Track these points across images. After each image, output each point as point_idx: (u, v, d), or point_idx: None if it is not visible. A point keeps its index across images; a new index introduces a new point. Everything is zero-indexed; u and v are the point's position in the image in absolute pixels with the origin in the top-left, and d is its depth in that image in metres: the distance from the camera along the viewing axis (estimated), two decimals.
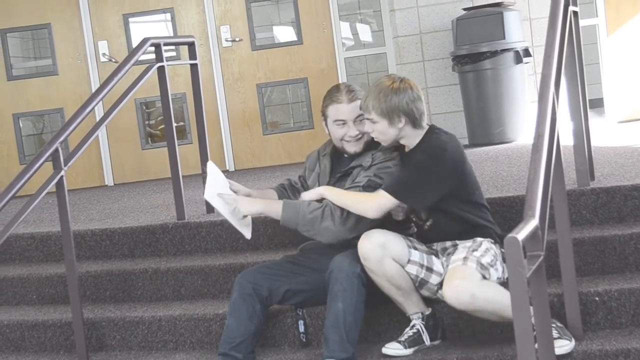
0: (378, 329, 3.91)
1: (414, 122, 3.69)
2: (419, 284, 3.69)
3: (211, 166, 3.88)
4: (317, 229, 3.71)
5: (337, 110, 3.87)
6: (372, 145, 3.89)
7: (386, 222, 3.74)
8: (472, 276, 3.48)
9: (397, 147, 3.83)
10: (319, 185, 3.93)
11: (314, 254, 3.94)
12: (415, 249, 3.69)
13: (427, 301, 3.76)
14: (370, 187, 3.73)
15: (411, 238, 3.76)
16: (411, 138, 3.74)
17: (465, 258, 3.55)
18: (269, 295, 3.85)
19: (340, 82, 7.50)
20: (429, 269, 3.68)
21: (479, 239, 3.66)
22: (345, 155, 3.95)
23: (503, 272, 3.65)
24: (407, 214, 3.84)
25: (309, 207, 3.72)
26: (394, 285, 3.67)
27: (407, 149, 3.78)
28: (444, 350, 3.69)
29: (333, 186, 3.87)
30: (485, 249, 3.62)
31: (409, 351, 3.69)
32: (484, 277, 3.51)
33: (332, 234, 3.72)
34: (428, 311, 3.73)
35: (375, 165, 3.82)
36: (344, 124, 3.87)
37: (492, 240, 3.69)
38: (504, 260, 3.67)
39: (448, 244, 3.74)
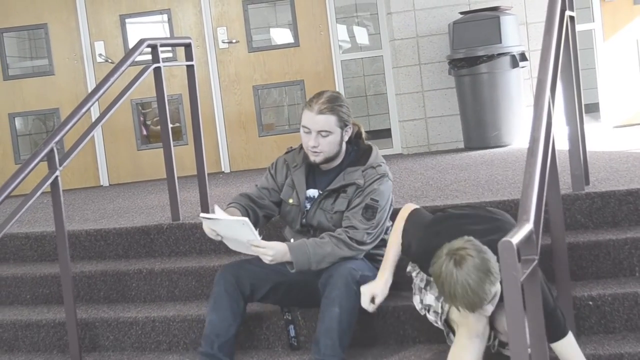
0: (372, 333, 3.90)
1: None
2: None
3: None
4: (333, 257, 3.68)
5: (305, 116, 3.82)
6: (354, 160, 3.85)
7: None
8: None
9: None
10: (297, 198, 3.85)
11: None
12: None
13: None
14: (369, 209, 3.71)
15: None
16: None
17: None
18: (251, 292, 3.79)
19: (336, 84, 7.53)
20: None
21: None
22: (323, 169, 3.88)
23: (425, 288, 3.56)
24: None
25: (316, 245, 3.67)
26: None
27: None
28: (437, 352, 3.70)
29: (319, 203, 3.80)
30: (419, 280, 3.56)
31: None
32: (436, 314, 3.44)
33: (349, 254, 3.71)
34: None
35: (367, 185, 3.76)
36: (308, 132, 3.81)
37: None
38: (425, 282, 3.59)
39: None
